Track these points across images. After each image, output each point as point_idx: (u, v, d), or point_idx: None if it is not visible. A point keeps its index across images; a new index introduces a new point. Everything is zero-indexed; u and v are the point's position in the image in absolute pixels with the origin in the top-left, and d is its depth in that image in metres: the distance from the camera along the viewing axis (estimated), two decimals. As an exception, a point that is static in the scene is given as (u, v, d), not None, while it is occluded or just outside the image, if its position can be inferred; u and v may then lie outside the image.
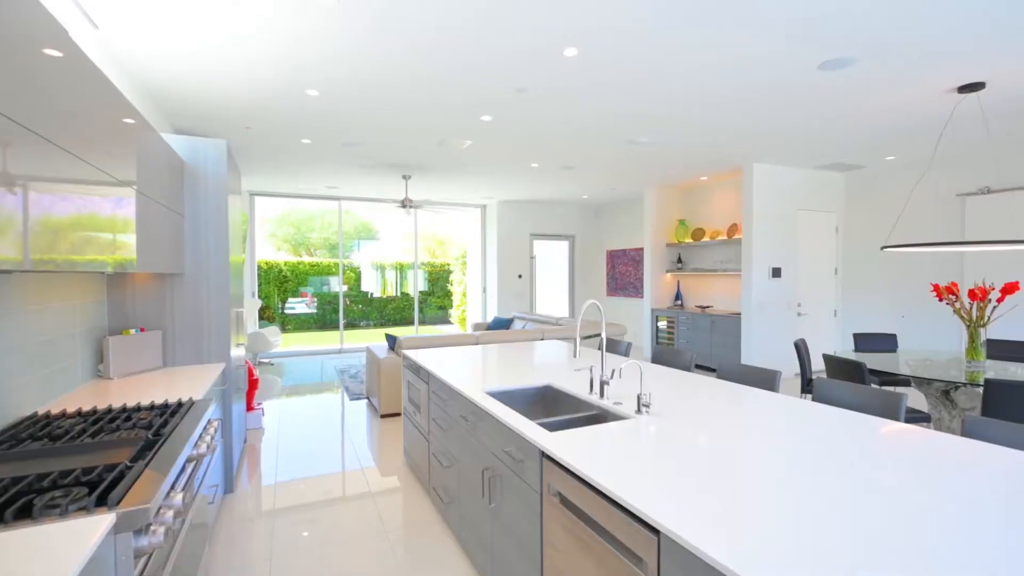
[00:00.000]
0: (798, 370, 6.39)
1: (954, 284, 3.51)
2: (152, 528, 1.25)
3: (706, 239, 7.13)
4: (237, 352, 3.48)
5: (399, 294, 12.57)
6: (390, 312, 12.36)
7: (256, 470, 3.51)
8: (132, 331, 2.76)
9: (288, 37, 2.83)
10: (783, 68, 3.25)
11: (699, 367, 6.91)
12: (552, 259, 9.99)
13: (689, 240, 7.48)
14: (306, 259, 11.68)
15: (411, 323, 12.14)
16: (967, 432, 1.70)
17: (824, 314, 6.70)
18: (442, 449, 2.65)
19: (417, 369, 3.12)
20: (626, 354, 3.49)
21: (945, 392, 3.36)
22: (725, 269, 6.99)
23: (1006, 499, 1.17)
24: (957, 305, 3.51)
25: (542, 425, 1.97)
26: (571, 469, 1.42)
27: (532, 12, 2.57)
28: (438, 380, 2.69)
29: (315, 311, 11.50)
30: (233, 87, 3.59)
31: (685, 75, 3.38)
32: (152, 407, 1.99)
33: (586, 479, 1.35)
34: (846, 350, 5.09)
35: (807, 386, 4.00)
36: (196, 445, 1.82)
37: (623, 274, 9.32)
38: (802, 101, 3.88)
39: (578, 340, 2.10)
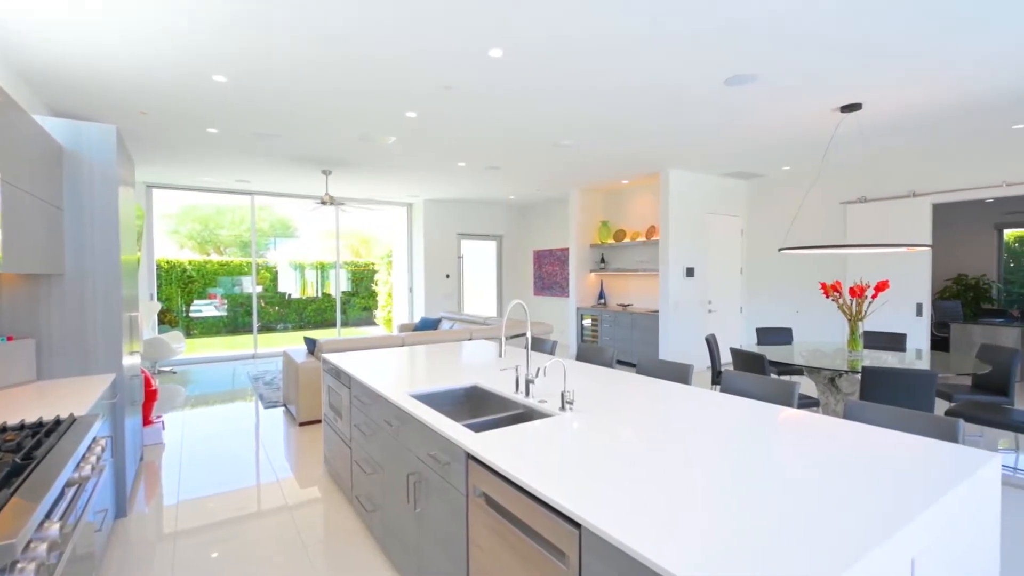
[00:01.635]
0: (709, 363, 6.87)
1: (838, 283, 3.93)
2: (20, 566, 1.09)
3: (627, 240, 7.46)
4: (131, 361, 3.14)
5: (320, 295, 11.98)
6: (310, 314, 11.75)
7: (155, 489, 3.19)
8: (-3, 340, 2.40)
9: (187, 11, 2.59)
10: (695, 82, 3.47)
11: (621, 363, 7.22)
12: (480, 259, 9.99)
13: (611, 241, 7.78)
14: (215, 258, 10.79)
15: (333, 325, 11.61)
16: (848, 414, 1.91)
17: (732, 310, 7.26)
18: (365, 456, 2.56)
19: (338, 373, 2.99)
20: (552, 352, 3.57)
21: (831, 379, 3.75)
22: (644, 269, 7.35)
23: (869, 469, 1.33)
24: (840, 301, 3.93)
25: (468, 426, 1.96)
26: (495, 469, 1.42)
27: (456, 6, 2.54)
28: (360, 384, 2.59)
29: (225, 314, 10.67)
30: (123, 66, 3.23)
31: (606, 84, 3.50)
32: (22, 427, 1.74)
33: (510, 478, 1.36)
34: (750, 343, 5.54)
35: (716, 378, 4.30)
36: (78, 467, 1.62)
37: (549, 274, 9.52)
38: (711, 113, 4.16)
39: (503, 340, 2.11)
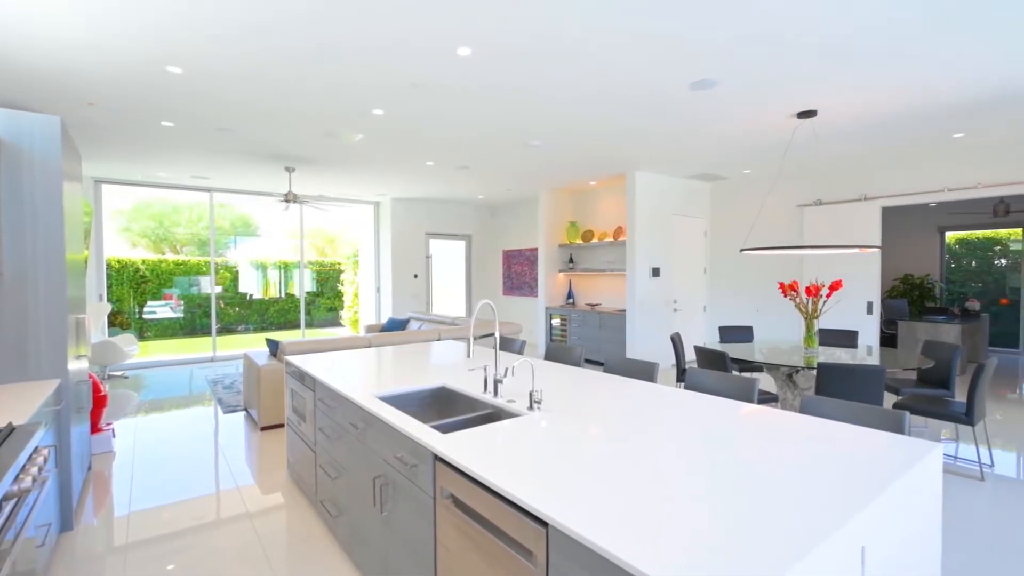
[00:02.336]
0: (675, 361, 7.02)
1: (795, 282, 4.08)
2: (-52, 587, 1.01)
3: (595, 240, 7.55)
4: (77, 365, 2.98)
5: (283, 295, 11.66)
6: (273, 315, 11.41)
7: (105, 500, 3.04)
8: (-75, 344, 2.23)
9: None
10: (662, 86, 3.54)
11: (589, 361, 7.30)
12: (449, 259, 9.92)
13: (580, 241, 7.86)
14: (170, 257, 10.35)
15: (297, 326, 11.31)
16: (804, 409, 1.98)
17: (696, 309, 7.44)
18: (330, 460, 2.50)
19: (302, 376, 2.91)
20: (520, 352, 3.57)
21: (789, 375, 3.90)
22: (612, 269, 7.46)
23: (824, 461, 1.38)
24: (797, 300, 4.09)
25: (436, 427, 1.94)
26: (463, 470, 1.41)
27: (423, 3, 2.51)
28: (325, 387, 2.53)
29: (182, 315, 10.25)
30: (67, 54, 3.06)
31: (574, 86, 3.53)
32: (-47, 437, 1.62)
33: (477, 478, 1.35)
34: (713, 341, 5.70)
35: (681, 375, 4.40)
36: (18, 479, 1.52)
37: (518, 273, 9.55)
38: (676, 116, 4.26)
39: (471, 340, 2.10)
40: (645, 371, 2.69)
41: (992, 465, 3.46)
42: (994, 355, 4.56)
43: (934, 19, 2.63)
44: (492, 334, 5.72)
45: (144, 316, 9.88)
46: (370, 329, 7.47)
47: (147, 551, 2.48)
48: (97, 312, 6.46)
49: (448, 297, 9.94)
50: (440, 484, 1.55)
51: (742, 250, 4.34)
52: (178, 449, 3.89)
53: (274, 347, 4.62)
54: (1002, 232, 8.34)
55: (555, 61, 3.16)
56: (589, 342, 7.30)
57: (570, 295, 8.03)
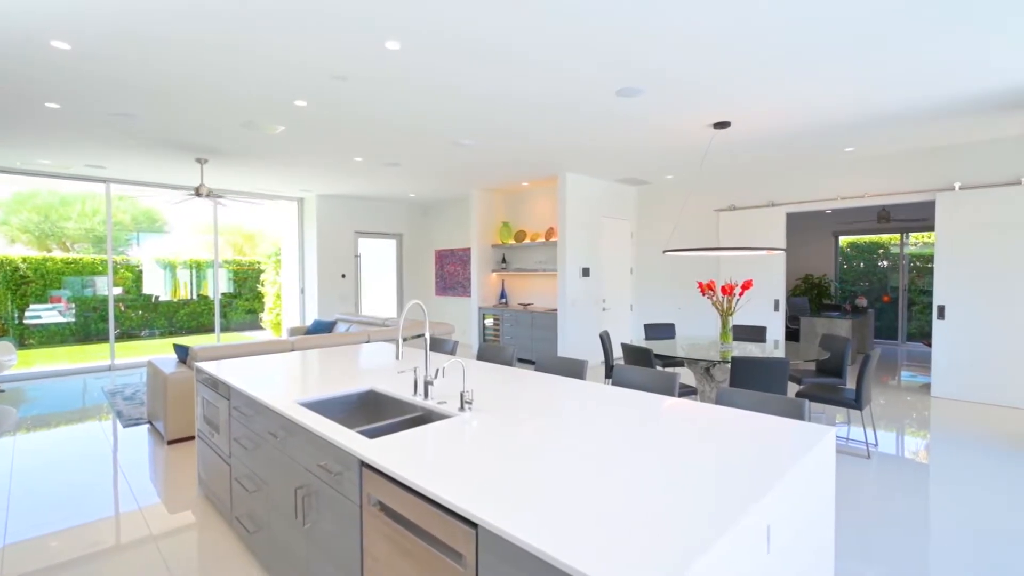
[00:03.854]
0: (603, 358, 7.26)
1: (712, 282, 4.35)
2: None
3: (527, 241, 7.64)
4: (-64, 378, 2.57)
5: (196, 297, 10.78)
6: (183, 318, 10.52)
7: (-28, 533, 2.65)
8: None
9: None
10: (589, 89, 3.64)
11: (521, 360, 7.38)
12: (379, 258, 9.64)
13: (512, 241, 7.92)
14: (59, 254, 9.24)
15: (211, 330, 10.51)
16: (719, 400, 2.11)
17: (623, 308, 7.74)
18: (247, 472, 2.34)
19: (215, 383, 2.70)
20: (453, 352, 3.54)
21: (707, 369, 4.15)
22: (544, 269, 7.58)
23: (735, 448, 1.48)
24: (714, 299, 4.36)
25: (363, 432, 1.87)
26: (390, 475, 1.37)
27: (349, -5, 2.42)
28: (242, 394, 2.36)
29: (73, 320, 9.18)
30: (-75, 19, 2.64)
31: (506, 87, 3.55)
32: None
33: (405, 482, 1.32)
34: (639, 339, 5.94)
35: (609, 372, 4.55)
36: None
37: (451, 273, 9.46)
38: (604, 121, 4.40)
39: (400, 341, 2.05)
40: (575, 369, 2.75)
41: (876, 444, 3.88)
42: (878, 346, 5.12)
43: (815, 57, 2.90)
44: (423, 335, 5.62)
45: (26, 321, 8.74)
46: (294, 332, 7.09)
47: (27, 587, 2.19)
48: (-36, 317, 5.63)
49: (379, 298, 9.65)
50: (367, 491, 1.50)
51: (665, 251, 4.57)
52: (67, 469, 3.47)
53: (183, 353, 4.26)
54: (884, 237, 9.40)
55: (486, 61, 3.15)
56: (522, 341, 7.37)
57: (503, 295, 8.07)
